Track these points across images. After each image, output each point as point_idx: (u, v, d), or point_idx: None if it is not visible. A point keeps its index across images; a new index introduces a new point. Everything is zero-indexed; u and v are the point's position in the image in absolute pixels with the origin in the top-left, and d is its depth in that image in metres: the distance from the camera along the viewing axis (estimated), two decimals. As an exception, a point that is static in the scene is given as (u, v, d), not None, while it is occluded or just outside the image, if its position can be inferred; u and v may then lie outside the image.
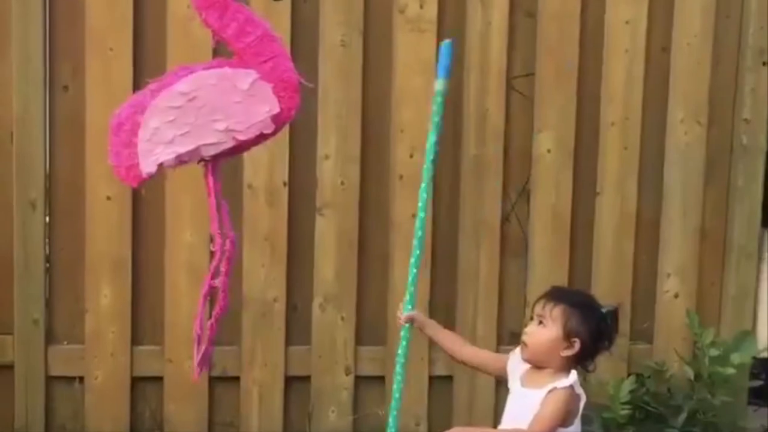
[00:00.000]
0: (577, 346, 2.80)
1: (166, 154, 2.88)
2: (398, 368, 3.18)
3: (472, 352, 3.14)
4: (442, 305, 4.28)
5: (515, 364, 2.93)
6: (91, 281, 4.09)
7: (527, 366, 2.89)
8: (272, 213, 4.14)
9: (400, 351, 3.18)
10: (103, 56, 4.01)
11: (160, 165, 2.93)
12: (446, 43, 3.11)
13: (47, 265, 4.14)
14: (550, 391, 2.78)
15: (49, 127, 4.06)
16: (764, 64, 4.31)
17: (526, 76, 4.25)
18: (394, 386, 3.19)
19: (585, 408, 2.86)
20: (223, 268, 3.06)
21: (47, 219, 4.11)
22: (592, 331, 2.82)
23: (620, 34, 4.25)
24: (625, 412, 4.19)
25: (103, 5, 3.99)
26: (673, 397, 4.30)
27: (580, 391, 2.82)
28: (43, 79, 4.03)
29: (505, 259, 4.32)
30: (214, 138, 2.88)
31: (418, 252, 3.19)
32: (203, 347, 3.12)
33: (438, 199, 4.25)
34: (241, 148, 2.97)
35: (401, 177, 4.19)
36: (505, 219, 4.31)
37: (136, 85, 4.02)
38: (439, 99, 3.13)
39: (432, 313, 4.19)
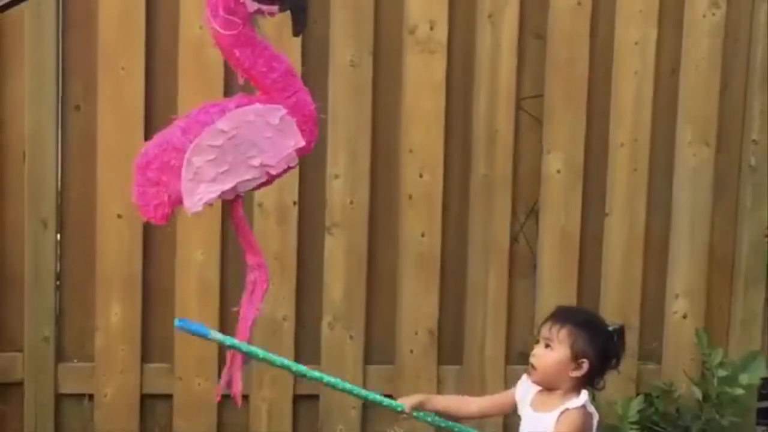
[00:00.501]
0: (585, 366, 2.80)
1: (210, 193, 2.88)
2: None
3: (480, 403, 3.07)
4: (451, 324, 4.29)
5: (524, 390, 2.93)
6: (101, 299, 4.11)
7: (536, 389, 2.89)
8: (282, 232, 4.16)
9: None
10: (115, 76, 4.04)
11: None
12: None
13: (58, 282, 4.16)
14: (562, 413, 2.77)
15: (61, 146, 4.09)
16: (773, 85, 4.33)
17: (536, 97, 4.27)
18: None
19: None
20: (256, 299, 3.08)
21: (58, 237, 4.14)
22: (600, 350, 2.82)
23: (629, 56, 4.27)
24: (633, 431, 4.20)
25: (115, 25, 4.03)
26: (682, 418, 4.30)
27: (592, 409, 2.82)
28: (55, 98, 4.06)
29: (514, 278, 4.33)
30: (250, 174, 2.91)
31: None
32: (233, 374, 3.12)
33: (447, 218, 4.27)
34: (270, 181, 3.00)
35: (410, 197, 4.21)
36: (514, 239, 4.32)
37: (148, 105, 4.07)
38: None
39: (441, 333, 4.23)
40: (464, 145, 4.26)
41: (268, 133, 2.89)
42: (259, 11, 2.88)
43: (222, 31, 2.86)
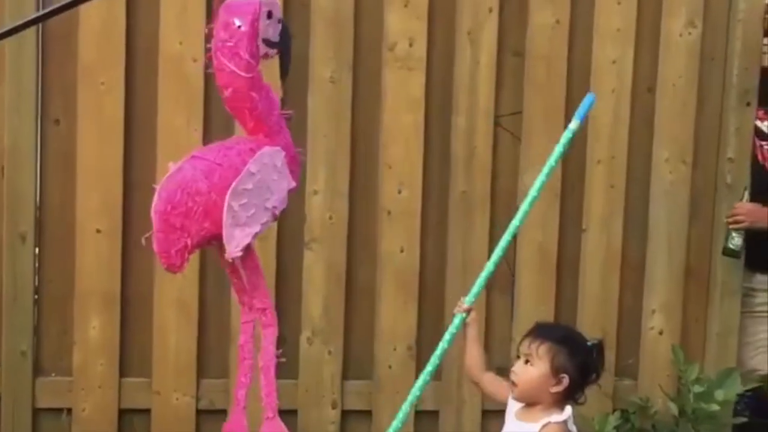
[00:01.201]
0: (565, 381, 2.82)
1: (246, 237, 2.92)
2: (438, 353, 3.16)
3: (491, 378, 3.12)
4: (429, 340, 4.29)
5: (511, 400, 2.96)
6: (79, 313, 4.11)
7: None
8: (261, 247, 4.14)
9: (447, 336, 3.16)
10: (95, 91, 4.04)
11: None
12: (590, 96, 3.34)
13: (36, 297, 4.15)
14: (545, 426, 2.80)
15: (41, 160, 4.09)
16: (748, 104, 4.36)
17: (514, 114, 4.30)
18: (429, 367, 3.19)
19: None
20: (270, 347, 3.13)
21: (37, 251, 4.13)
22: (580, 365, 2.84)
23: (607, 74, 4.30)
24: (609, 447, 4.22)
25: (95, 40, 4.03)
26: (658, 433, 4.33)
27: (573, 428, 2.84)
28: (34, 111, 4.06)
29: (492, 295, 4.34)
30: (266, 216, 2.94)
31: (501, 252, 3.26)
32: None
33: (426, 234, 4.29)
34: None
35: (389, 213, 4.22)
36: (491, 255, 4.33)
37: (128, 120, 4.07)
38: (569, 135, 3.27)
39: (419, 348, 4.24)
40: (443, 162, 4.28)
41: (275, 176, 2.93)
42: (266, 54, 2.96)
43: (243, 74, 2.88)
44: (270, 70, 3.08)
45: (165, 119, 4.07)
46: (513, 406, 2.93)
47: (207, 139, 4.04)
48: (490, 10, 4.21)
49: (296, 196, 4.16)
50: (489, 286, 4.29)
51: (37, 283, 4.15)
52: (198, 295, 4.13)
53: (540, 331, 2.91)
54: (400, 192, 4.21)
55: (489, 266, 3.22)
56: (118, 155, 4.07)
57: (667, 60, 4.34)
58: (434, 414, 4.34)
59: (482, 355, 3.17)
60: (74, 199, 4.08)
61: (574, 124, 3.25)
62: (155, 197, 2.91)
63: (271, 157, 2.94)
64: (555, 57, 4.28)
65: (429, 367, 3.16)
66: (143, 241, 2.94)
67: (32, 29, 3.97)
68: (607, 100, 4.31)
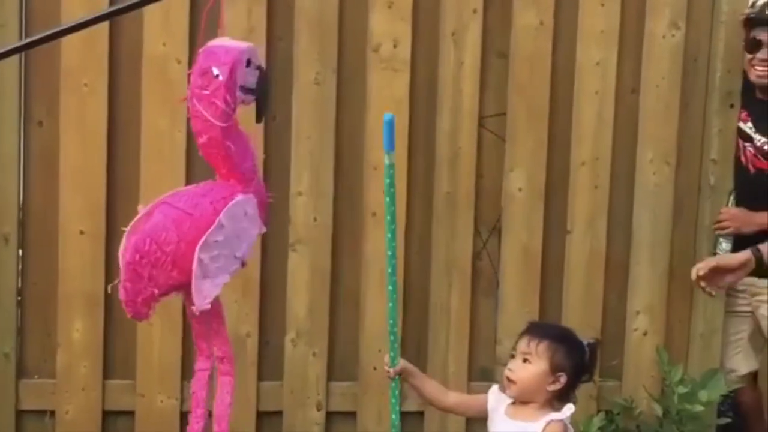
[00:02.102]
0: (563, 380, 2.84)
1: (215, 288, 2.88)
2: (394, 418, 3.19)
3: (457, 399, 3.16)
4: (414, 342, 4.30)
5: (495, 401, 2.96)
6: (63, 315, 4.10)
7: (508, 401, 2.91)
8: (245, 249, 4.16)
9: (393, 400, 3.18)
10: (78, 92, 4.03)
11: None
12: (388, 117, 2.99)
13: (19, 298, 4.14)
14: (548, 423, 2.80)
15: (24, 162, 4.08)
16: (731, 106, 4.36)
17: (498, 116, 4.30)
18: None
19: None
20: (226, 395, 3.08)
21: (20, 252, 4.12)
22: (576, 364, 2.86)
23: (590, 76, 4.31)
24: (594, 448, 4.23)
25: (78, 42, 4.00)
26: (642, 434, 4.34)
27: (570, 427, 2.85)
28: (17, 113, 4.04)
29: (476, 296, 4.35)
30: (234, 265, 2.90)
31: (391, 304, 3.19)
32: None
33: (410, 236, 4.28)
34: None
35: (374, 214, 4.22)
36: (476, 256, 4.34)
37: (111, 122, 4.06)
38: (391, 171, 3.03)
39: (404, 350, 4.21)
40: (427, 163, 4.28)
41: (245, 224, 2.90)
42: (242, 101, 2.91)
43: (218, 123, 2.84)
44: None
45: (148, 121, 4.06)
46: (499, 408, 2.93)
47: (190, 141, 4.02)
48: (474, 12, 4.21)
49: (280, 197, 4.17)
50: (473, 287, 4.32)
51: (20, 285, 4.14)
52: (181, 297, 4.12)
53: (538, 330, 2.93)
54: (384, 193, 4.21)
55: (391, 325, 3.22)
56: (102, 157, 4.06)
57: (650, 62, 4.35)
58: (419, 415, 4.34)
59: (435, 385, 3.21)
60: (57, 201, 4.06)
61: (389, 159, 3.00)
62: (123, 243, 2.88)
63: (242, 206, 2.89)
64: (539, 58, 4.29)
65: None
66: (109, 289, 2.91)
67: (15, 29, 3.96)
68: (591, 102, 4.32)
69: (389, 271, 3.14)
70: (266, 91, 2.97)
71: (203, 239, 2.83)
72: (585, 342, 2.93)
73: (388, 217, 3.10)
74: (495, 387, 2.96)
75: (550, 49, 4.29)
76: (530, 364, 2.85)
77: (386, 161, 3.00)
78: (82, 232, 4.06)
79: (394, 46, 4.18)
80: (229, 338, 3.05)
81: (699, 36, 4.37)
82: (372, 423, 4.30)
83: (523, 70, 4.28)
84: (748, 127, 4.23)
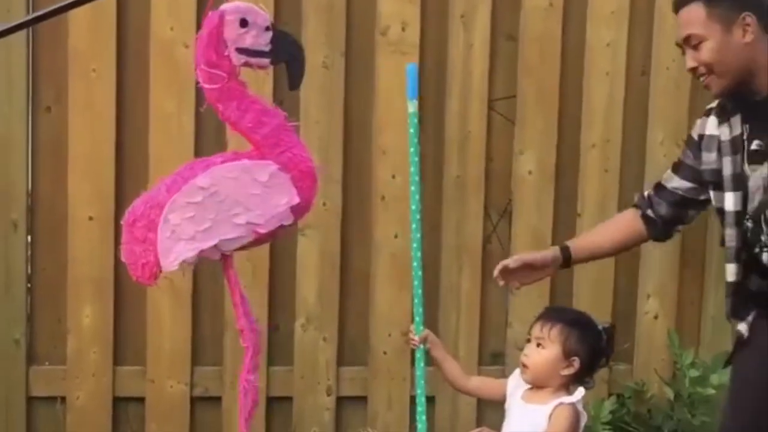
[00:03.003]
0: (576, 364, 2.82)
1: (188, 251, 2.80)
2: (419, 392, 3.16)
3: (478, 383, 3.13)
4: (424, 325, 4.27)
5: (514, 386, 2.94)
6: (73, 301, 4.09)
7: (526, 386, 2.91)
8: (254, 234, 4.15)
9: (418, 373, 3.15)
10: (86, 78, 4.02)
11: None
12: (412, 66, 3.09)
13: (29, 285, 4.13)
14: (557, 406, 2.79)
15: (32, 148, 4.07)
16: (742, 87, 4.34)
17: (508, 99, 4.28)
18: (419, 411, 3.18)
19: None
20: (247, 362, 2.97)
21: (29, 239, 4.11)
22: (591, 349, 2.84)
23: (601, 57, 4.29)
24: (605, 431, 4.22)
25: (85, 27, 4.00)
26: (654, 418, 4.33)
27: (582, 410, 2.84)
28: (25, 99, 4.03)
29: (487, 279, 4.33)
30: (234, 232, 2.82)
31: (420, 273, 3.18)
32: None
33: (420, 219, 4.26)
34: (261, 240, 2.91)
35: (383, 198, 4.21)
36: (486, 240, 4.33)
37: (119, 107, 4.05)
38: (414, 120, 3.10)
39: (414, 334, 4.22)
40: (437, 147, 4.27)
41: (255, 190, 2.81)
42: (247, 64, 2.81)
43: (206, 85, 2.81)
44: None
45: (156, 105, 4.05)
46: (516, 394, 2.92)
47: (199, 125, 4.02)
48: (483, -6, 4.20)
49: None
50: (484, 270, 4.30)
51: (29, 272, 4.13)
52: (192, 282, 4.12)
53: (551, 315, 2.91)
54: (394, 177, 4.20)
55: (416, 290, 3.20)
56: (110, 142, 4.05)
57: (661, 43, 4.32)
58: (430, 399, 4.33)
59: (457, 366, 3.17)
60: (66, 187, 4.05)
61: (411, 107, 3.08)
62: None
63: (246, 171, 2.83)
64: (548, 40, 4.27)
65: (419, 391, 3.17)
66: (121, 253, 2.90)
67: (22, 16, 3.94)
68: (602, 83, 4.30)
69: (413, 226, 3.13)
70: (291, 54, 2.83)
71: (172, 199, 2.79)
72: (601, 326, 2.91)
73: (413, 169, 3.10)
74: (516, 371, 2.94)
75: (559, 30, 4.27)
76: (543, 349, 2.84)
77: (410, 109, 3.05)
78: (90, 218, 4.05)
79: (403, 29, 4.16)
80: (249, 311, 2.99)
81: (710, 17, 4.34)
82: (382, 408, 4.29)
83: (533, 52, 4.25)
84: None
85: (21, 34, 3.97)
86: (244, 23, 2.78)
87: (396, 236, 4.22)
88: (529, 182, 4.30)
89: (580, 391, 2.82)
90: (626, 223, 3.33)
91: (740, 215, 3.02)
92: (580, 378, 2.85)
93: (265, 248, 4.13)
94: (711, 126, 3.08)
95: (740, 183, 2.99)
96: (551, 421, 2.78)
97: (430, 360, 3.16)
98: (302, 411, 4.27)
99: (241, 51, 2.78)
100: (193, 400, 4.18)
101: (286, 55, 2.82)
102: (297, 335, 4.24)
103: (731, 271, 3.11)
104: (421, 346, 3.14)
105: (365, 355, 4.29)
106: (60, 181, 4.06)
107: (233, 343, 4.17)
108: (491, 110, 4.28)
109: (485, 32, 4.22)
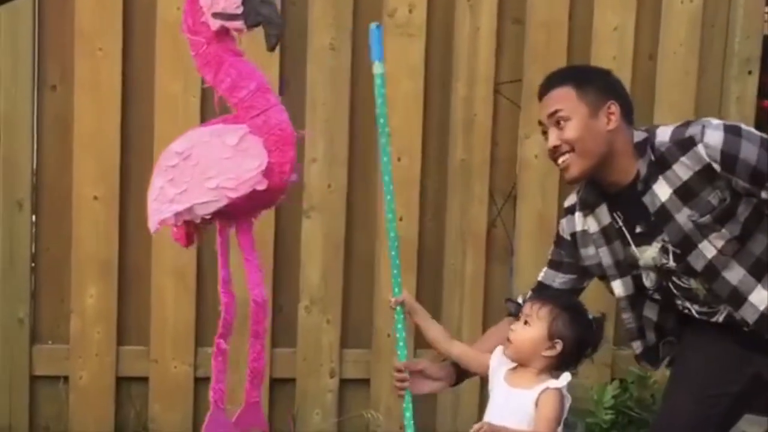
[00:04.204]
0: (558, 347, 2.80)
1: (164, 213, 2.83)
2: (400, 355, 3.10)
3: (460, 350, 3.07)
4: (428, 309, 4.22)
5: (497, 362, 2.93)
6: (77, 281, 4.09)
7: (509, 366, 2.89)
8: (259, 215, 4.14)
9: (398, 335, 3.09)
10: (92, 57, 4.01)
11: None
12: (375, 26, 3.00)
13: (33, 264, 4.14)
14: (543, 391, 2.78)
15: (37, 127, 4.07)
16: (749, 73, 4.34)
17: (514, 82, 4.27)
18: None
19: (569, 413, 2.86)
20: (253, 332, 3.09)
21: (34, 218, 4.12)
22: (577, 335, 2.82)
23: (608, 41, 4.28)
24: (608, 417, 4.22)
25: (92, 6, 4.00)
26: (657, 403, 4.31)
27: (567, 394, 2.82)
28: (31, 78, 4.03)
29: (491, 263, 4.34)
30: (206, 197, 2.80)
31: (393, 234, 3.13)
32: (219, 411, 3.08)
33: (424, 203, 4.27)
34: (238, 206, 2.86)
35: (388, 180, 4.20)
36: (491, 223, 4.33)
37: (125, 87, 4.04)
38: (379, 82, 3.03)
39: (417, 317, 4.22)
40: (442, 130, 4.26)
41: (226, 154, 2.78)
42: (223, 28, 2.77)
43: (192, 53, 2.82)
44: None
45: (162, 85, 4.05)
46: (499, 373, 2.91)
47: (204, 105, 4.01)
48: (491, -23, 4.18)
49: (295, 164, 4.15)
50: (488, 254, 4.30)
51: (33, 251, 4.13)
52: (196, 263, 4.12)
53: (545, 295, 2.91)
54: (399, 160, 4.19)
55: (391, 252, 3.16)
56: (116, 122, 4.05)
57: (668, 27, 4.31)
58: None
59: (440, 329, 3.13)
60: (71, 166, 4.05)
61: (376, 68, 3.02)
62: None
63: (216, 135, 2.81)
64: (555, 24, 4.25)
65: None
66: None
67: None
68: (608, 67, 4.26)
69: (388, 198, 3.08)
70: (265, 15, 2.75)
71: (157, 163, 2.84)
72: (591, 316, 2.90)
73: (383, 140, 3.07)
74: (499, 348, 2.93)
75: (566, 14, 4.26)
76: (529, 327, 2.83)
77: (375, 70, 3.00)
78: (95, 198, 4.05)
79: (410, 11, 4.15)
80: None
81: (717, 1, 4.35)
82: (385, 390, 4.29)
83: (540, 36, 4.24)
84: None
85: (27, 13, 3.97)
86: None
87: (400, 219, 4.21)
88: (535, 166, 4.30)
89: (566, 377, 2.80)
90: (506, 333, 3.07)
91: (633, 298, 3.09)
92: (563, 363, 2.83)
93: (270, 230, 4.13)
94: (579, 222, 3.11)
95: (626, 268, 3.05)
96: (538, 406, 2.77)
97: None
98: (305, 393, 4.27)
99: (216, 15, 2.76)
100: (197, 381, 4.18)
101: (258, 16, 2.76)
102: (301, 317, 4.24)
103: (637, 346, 3.20)
104: (398, 309, 3.10)
105: (369, 338, 4.29)
106: (65, 161, 4.06)
107: (237, 325, 4.16)
108: (497, 94, 4.28)
109: (492, 15, 4.21)
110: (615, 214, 3.01)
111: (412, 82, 4.18)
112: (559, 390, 2.78)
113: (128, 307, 4.17)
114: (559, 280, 3.22)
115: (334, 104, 4.16)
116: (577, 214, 3.11)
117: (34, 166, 4.09)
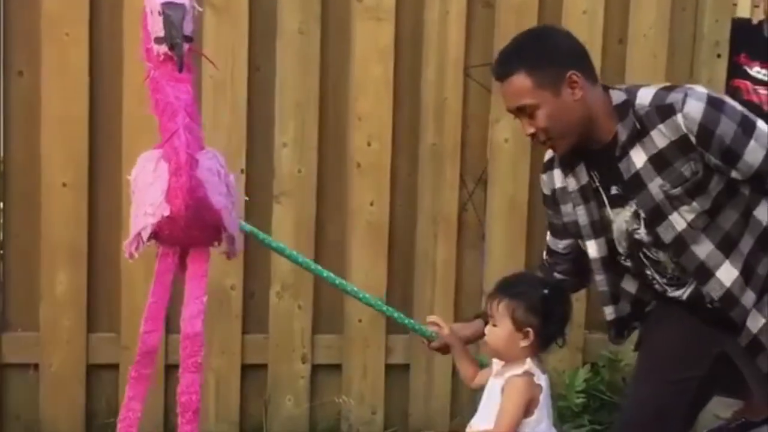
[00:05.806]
0: (531, 335, 2.80)
1: (131, 238, 2.87)
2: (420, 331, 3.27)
3: (478, 375, 3.08)
4: (399, 294, 4.29)
5: (497, 362, 2.94)
6: (46, 268, 4.06)
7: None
8: (229, 201, 4.13)
9: (406, 322, 3.31)
10: (59, 42, 3.97)
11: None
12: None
13: (1, 251, 4.11)
14: (507, 381, 2.78)
15: (4, 113, 4.03)
16: (719, 56, 4.35)
17: (484, 66, 4.26)
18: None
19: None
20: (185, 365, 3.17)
21: (2, 205, 4.09)
22: (541, 315, 2.80)
23: (577, 25, 4.25)
24: (579, 400, 4.24)
25: (59, -10, 3.96)
26: (628, 386, 4.33)
27: (540, 380, 2.81)
28: (-3, 63, 4.00)
29: (462, 247, 4.34)
30: (142, 222, 2.83)
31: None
32: None
33: (395, 187, 4.26)
34: (163, 234, 2.87)
35: (359, 165, 4.20)
36: (462, 207, 4.33)
37: (92, 72, 4.01)
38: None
39: (389, 303, 4.20)
40: (413, 114, 4.25)
41: (149, 180, 2.78)
42: (166, 54, 2.73)
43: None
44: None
45: (130, 71, 4.01)
46: (495, 368, 2.91)
47: (174, 91, 3.98)
48: (460, -40, 4.17)
49: (265, 149, 4.15)
50: (459, 238, 4.30)
51: (2, 238, 4.10)
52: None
53: (497, 290, 2.87)
54: (369, 144, 4.18)
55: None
56: (84, 108, 4.02)
57: (638, 11, 4.32)
58: (405, 367, 4.34)
59: (471, 367, 3.11)
60: (39, 153, 4.02)
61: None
62: None
63: (146, 160, 2.81)
64: (525, 7, 4.25)
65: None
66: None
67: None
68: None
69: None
70: (172, 35, 2.68)
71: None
72: (546, 290, 2.86)
73: None
74: None
75: (537, -2, 4.26)
76: (496, 327, 2.82)
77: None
78: (64, 184, 4.02)
79: (379, -5, 4.14)
80: (198, 314, 3.18)
81: (687, -15, 4.35)
82: (357, 376, 4.30)
83: (510, 20, 4.23)
84: (763, 73, 4.24)
85: (-7, -2, 3.93)
86: (152, 12, 2.73)
87: (371, 203, 4.21)
88: (506, 150, 4.30)
89: (527, 362, 2.80)
90: None
91: (606, 260, 3.06)
92: (544, 342, 2.83)
93: (241, 215, 4.10)
94: (558, 178, 3.08)
95: (600, 229, 3.02)
96: (503, 394, 2.78)
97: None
98: (277, 378, 4.26)
99: (156, 40, 2.73)
100: (168, 368, 4.16)
101: (171, 39, 2.68)
102: (272, 303, 4.23)
103: (609, 311, 3.17)
104: (380, 302, 3.11)
105: (340, 323, 4.29)
106: (33, 147, 4.02)
107: (208, 311, 4.14)
108: (467, 77, 4.27)
109: (462, -1, 4.21)
110: (593, 173, 2.98)
111: (382, 66, 4.17)
112: (520, 377, 2.77)
113: (98, 293, 4.14)
114: (559, 245, 3.22)
115: (304, 88, 4.14)
116: (556, 171, 3.08)
117: (2, 153, 4.06)
